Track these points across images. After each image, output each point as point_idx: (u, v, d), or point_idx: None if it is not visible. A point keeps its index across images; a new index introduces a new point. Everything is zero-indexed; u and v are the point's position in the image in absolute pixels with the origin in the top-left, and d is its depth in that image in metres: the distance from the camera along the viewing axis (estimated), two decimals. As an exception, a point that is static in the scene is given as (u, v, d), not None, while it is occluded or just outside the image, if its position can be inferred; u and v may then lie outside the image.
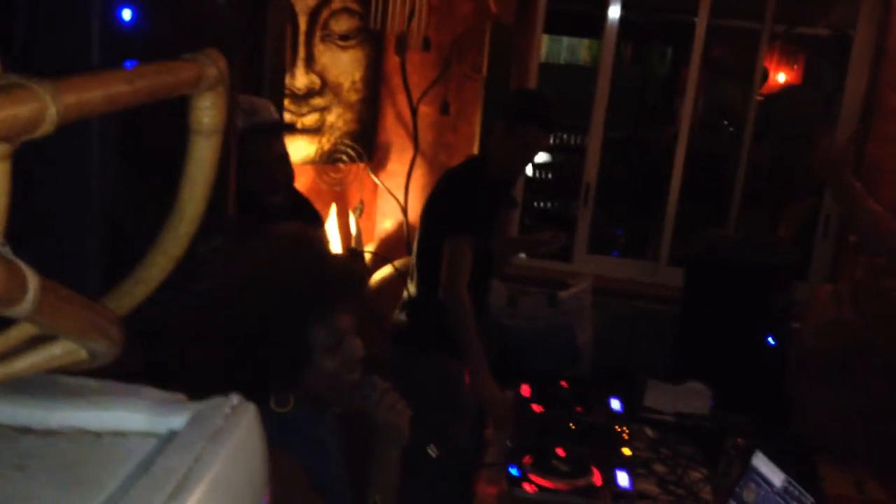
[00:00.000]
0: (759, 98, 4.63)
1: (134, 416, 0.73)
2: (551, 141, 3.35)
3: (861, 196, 2.65)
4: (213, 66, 0.73)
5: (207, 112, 0.74)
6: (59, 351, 0.65)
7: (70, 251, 0.79)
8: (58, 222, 0.78)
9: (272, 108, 2.66)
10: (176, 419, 0.73)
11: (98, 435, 0.72)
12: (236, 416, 0.73)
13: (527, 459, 2.37)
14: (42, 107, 0.50)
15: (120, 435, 0.72)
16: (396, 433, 1.68)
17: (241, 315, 1.43)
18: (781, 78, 6.02)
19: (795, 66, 6.10)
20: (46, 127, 0.50)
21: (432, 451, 1.73)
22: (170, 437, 0.71)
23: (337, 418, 1.70)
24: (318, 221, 2.85)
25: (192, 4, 0.94)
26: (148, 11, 0.82)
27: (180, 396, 0.76)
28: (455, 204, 3.00)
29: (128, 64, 0.73)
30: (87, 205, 0.78)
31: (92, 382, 0.75)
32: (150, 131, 0.81)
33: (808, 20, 5.35)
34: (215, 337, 1.41)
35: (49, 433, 0.72)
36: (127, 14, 0.80)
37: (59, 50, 0.76)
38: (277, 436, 1.35)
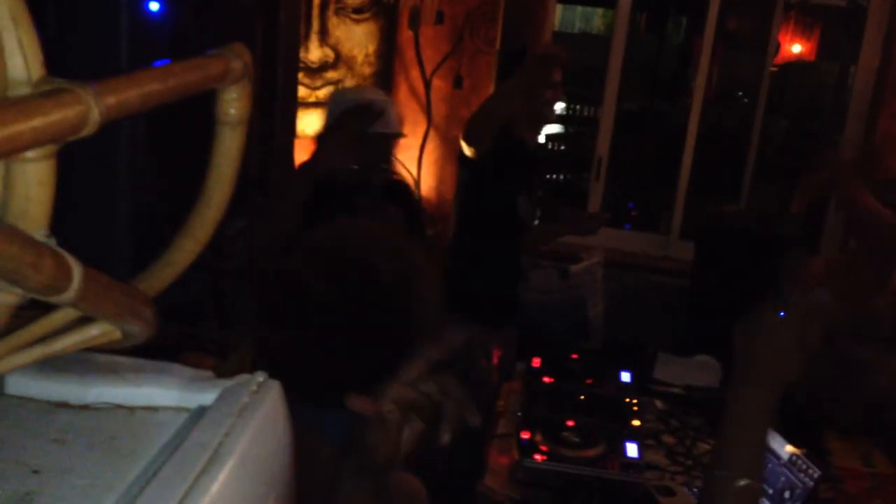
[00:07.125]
0: (772, 69, 4.59)
1: (165, 392, 0.77)
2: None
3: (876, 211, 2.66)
4: (239, 59, 0.76)
5: (233, 104, 0.77)
6: (96, 332, 0.69)
7: (102, 237, 0.82)
8: (90, 210, 0.81)
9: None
10: (205, 395, 0.77)
11: (131, 409, 0.76)
12: (262, 392, 0.76)
13: (537, 430, 2.42)
14: (85, 109, 0.53)
15: (152, 410, 0.76)
16: None
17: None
18: (797, 49, 5.98)
19: (811, 38, 6.06)
20: (90, 128, 0.54)
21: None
22: (200, 413, 0.75)
23: None
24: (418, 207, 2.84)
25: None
26: (173, 3, 0.85)
27: (208, 374, 0.80)
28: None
29: (157, 63, 0.76)
30: (117, 193, 0.82)
31: (125, 360, 0.79)
32: (176, 122, 0.84)
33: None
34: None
35: (85, 408, 0.75)
36: (154, 6, 0.83)
37: (90, 46, 0.79)
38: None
